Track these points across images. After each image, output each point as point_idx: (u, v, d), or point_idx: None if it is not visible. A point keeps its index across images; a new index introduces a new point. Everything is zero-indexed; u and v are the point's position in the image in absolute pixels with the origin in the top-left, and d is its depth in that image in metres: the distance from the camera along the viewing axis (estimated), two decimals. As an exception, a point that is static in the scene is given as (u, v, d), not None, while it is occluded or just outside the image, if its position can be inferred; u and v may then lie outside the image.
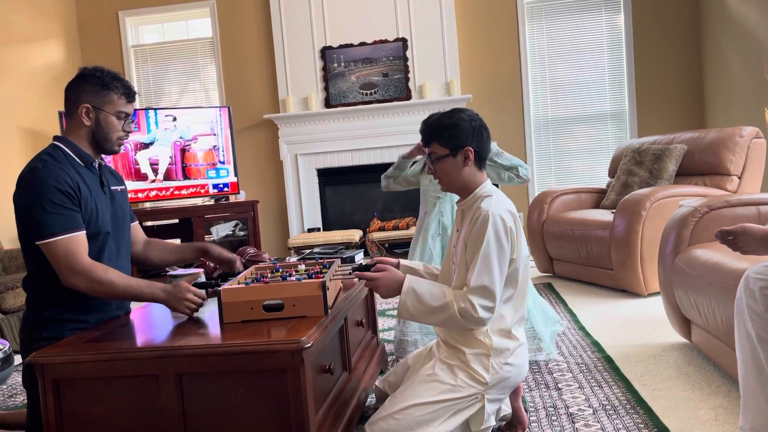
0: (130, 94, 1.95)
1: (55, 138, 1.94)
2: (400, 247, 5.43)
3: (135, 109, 4.94)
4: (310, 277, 1.93)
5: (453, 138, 1.86)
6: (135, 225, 2.20)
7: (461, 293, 1.78)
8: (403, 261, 2.04)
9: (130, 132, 1.98)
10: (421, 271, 2.04)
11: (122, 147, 2.00)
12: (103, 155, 2.01)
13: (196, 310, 1.87)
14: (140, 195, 5.07)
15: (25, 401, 2.48)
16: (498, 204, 1.82)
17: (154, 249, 2.22)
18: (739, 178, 3.85)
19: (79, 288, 1.80)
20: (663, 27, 5.47)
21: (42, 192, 1.78)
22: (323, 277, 1.86)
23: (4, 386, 2.95)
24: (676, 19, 5.45)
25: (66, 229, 1.79)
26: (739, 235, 1.71)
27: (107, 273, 1.81)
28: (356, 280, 2.15)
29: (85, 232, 1.84)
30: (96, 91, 1.89)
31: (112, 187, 2.03)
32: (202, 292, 1.89)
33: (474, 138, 1.87)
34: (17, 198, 1.83)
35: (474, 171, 1.89)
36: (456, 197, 2.36)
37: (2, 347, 2.97)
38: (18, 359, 3.26)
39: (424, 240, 2.77)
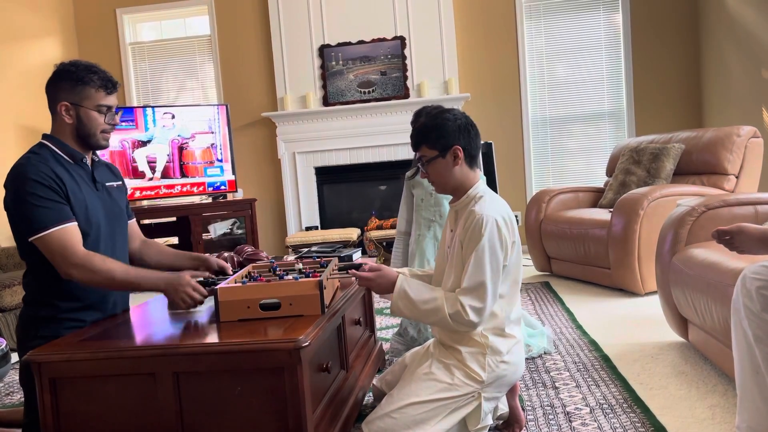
0: (108, 86, 1.88)
1: (43, 136, 1.92)
2: (398, 246, 5.42)
3: (132, 107, 4.96)
4: (307, 276, 1.93)
5: (440, 139, 1.86)
6: (132, 223, 2.18)
7: (452, 296, 1.79)
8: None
9: (114, 124, 1.94)
10: (408, 276, 2.04)
11: (109, 141, 1.96)
12: (95, 150, 1.99)
13: (194, 306, 1.86)
14: (138, 193, 5.06)
15: (22, 399, 2.47)
16: (492, 207, 1.82)
17: (152, 250, 2.19)
18: (737, 177, 3.86)
19: (78, 279, 1.78)
20: (661, 26, 5.47)
21: (25, 188, 1.77)
22: (320, 275, 1.86)
23: (1, 384, 2.94)
24: (674, 19, 5.45)
25: (56, 221, 1.77)
26: (735, 235, 1.71)
27: (105, 263, 1.80)
28: (354, 278, 2.16)
29: (76, 223, 1.82)
30: (72, 87, 1.85)
31: (107, 183, 2.02)
32: (203, 289, 1.87)
33: (461, 136, 1.87)
34: (5, 198, 1.83)
35: (466, 170, 1.89)
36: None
37: (-1, 345, 2.97)
38: (15, 357, 3.26)
39: (421, 264, 2.74)
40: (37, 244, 1.79)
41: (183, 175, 5.20)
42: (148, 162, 5.05)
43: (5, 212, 1.86)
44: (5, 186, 1.83)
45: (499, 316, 1.84)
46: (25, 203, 1.77)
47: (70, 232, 1.79)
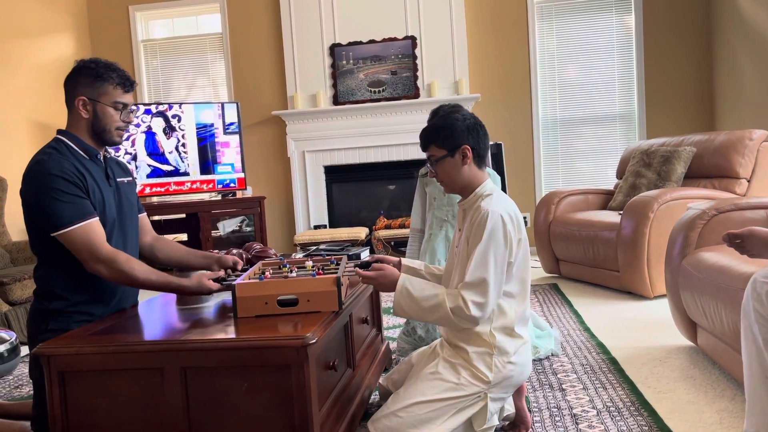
0: (126, 84, 1.93)
1: (59, 132, 1.94)
2: (405, 246, 5.42)
3: (142, 104, 4.98)
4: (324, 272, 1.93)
5: (449, 138, 1.87)
6: (143, 217, 2.19)
7: (454, 292, 1.78)
8: (404, 260, 2.04)
9: (129, 122, 1.97)
10: (422, 272, 2.04)
11: (123, 138, 1.99)
12: (107, 147, 2.01)
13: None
14: (147, 190, 5.09)
15: (31, 392, 2.49)
16: (498, 204, 1.82)
17: (163, 246, 2.20)
18: (748, 181, 3.83)
19: (102, 275, 1.82)
20: (674, 28, 5.44)
21: (49, 183, 1.79)
22: (336, 272, 1.87)
23: (10, 377, 2.97)
24: (687, 21, 5.42)
25: (80, 217, 1.80)
26: (746, 239, 1.70)
27: (129, 262, 1.83)
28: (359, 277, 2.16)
29: (98, 218, 1.85)
30: (91, 82, 1.88)
31: (119, 179, 2.04)
32: (217, 285, 1.90)
33: (470, 136, 1.87)
34: (25, 192, 1.84)
35: (474, 170, 1.90)
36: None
37: (9, 338, 3.00)
38: (24, 350, 3.28)
39: (431, 264, 2.72)
40: (60, 239, 1.80)
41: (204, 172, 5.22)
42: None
43: (20, 206, 1.87)
44: (24, 181, 1.84)
45: (509, 314, 1.84)
46: (48, 198, 1.78)
47: (94, 227, 1.82)
